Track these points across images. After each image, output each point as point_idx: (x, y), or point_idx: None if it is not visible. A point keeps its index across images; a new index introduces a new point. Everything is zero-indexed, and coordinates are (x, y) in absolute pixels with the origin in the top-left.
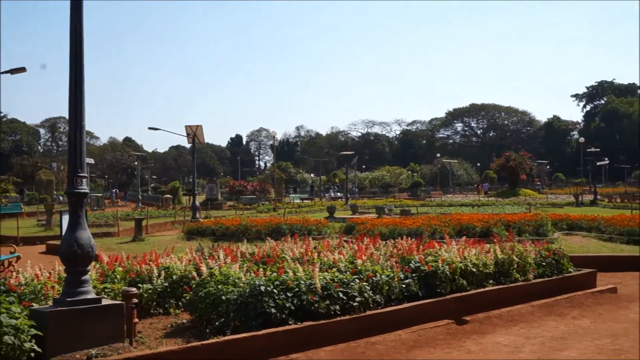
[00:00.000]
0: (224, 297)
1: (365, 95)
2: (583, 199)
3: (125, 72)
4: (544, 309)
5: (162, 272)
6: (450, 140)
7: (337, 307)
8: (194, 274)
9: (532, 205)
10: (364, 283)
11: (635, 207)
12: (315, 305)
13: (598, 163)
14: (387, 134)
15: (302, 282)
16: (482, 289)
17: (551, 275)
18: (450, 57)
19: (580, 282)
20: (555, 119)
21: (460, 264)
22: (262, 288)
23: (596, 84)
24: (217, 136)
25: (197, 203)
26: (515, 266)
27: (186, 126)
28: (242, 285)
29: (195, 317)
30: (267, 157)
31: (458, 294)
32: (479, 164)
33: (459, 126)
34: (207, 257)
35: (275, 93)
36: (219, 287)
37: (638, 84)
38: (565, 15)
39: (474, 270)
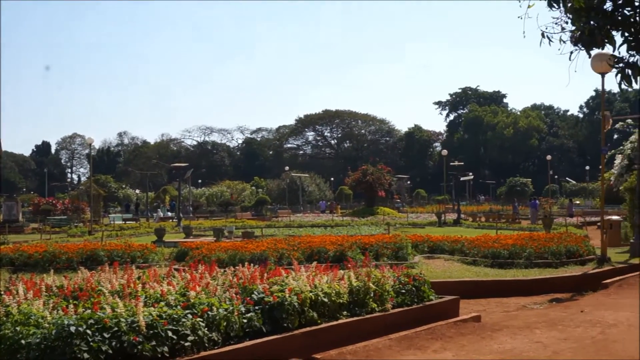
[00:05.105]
0: (23, 342)
1: (202, 97)
2: (446, 218)
3: None
4: (403, 342)
5: None
6: (301, 151)
7: (166, 348)
8: None
9: (391, 225)
10: (198, 319)
11: (500, 226)
12: (139, 347)
13: (462, 178)
14: (228, 143)
15: (122, 319)
16: (335, 322)
17: (411, 304)
18: (299, 58)
19: (443, 310)
20: (417, 128)
21: (310, 294)
22: (73, 328)
23: (460, 90)
24: (18, 143)
25: None
26: (372, 295)
27: None
28: (47, 325)
29: None
30: (82, 169)
31: (308, 329)
32: (332, 179)
33: (310, 135)
34: (2, 293)
35: (91, 91)
36: (18, 329)
37: (502, 92)
38: (426, 15)
39: (326, 300)
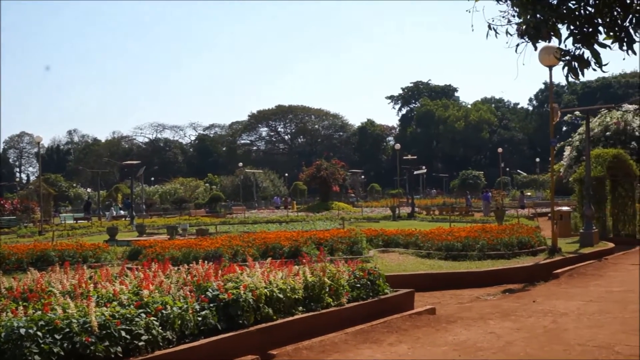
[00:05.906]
0: None
1: (154, 94)
2: (400, 212)
3: None
4: (358, 336)
5: None
6: (255, 147)
7: (119, 348)
8: None
9: (346, 219)
10: (152, 318)
11: (453, 219)
12: (91, 348)
13: (415, 172)
14: (181, 140)
15: (74, 320)
16: (291, 318)
17: (366, 298)
18: (251, 54)
19: (398, 304)
20: (369, 123)
21: (265, 290)
22: (22, 330)
23: (412, 84)
24: None
25: None
26: (327, 290)
27: None
28: None
29: None
30: (30, 169)
31: (263, 325)
32: (287, 174)
33: (263, 131)
34: None
35: (39, 88)
36: None
37: (454, 86)
38: (377, 9)
39: (281, 296)
